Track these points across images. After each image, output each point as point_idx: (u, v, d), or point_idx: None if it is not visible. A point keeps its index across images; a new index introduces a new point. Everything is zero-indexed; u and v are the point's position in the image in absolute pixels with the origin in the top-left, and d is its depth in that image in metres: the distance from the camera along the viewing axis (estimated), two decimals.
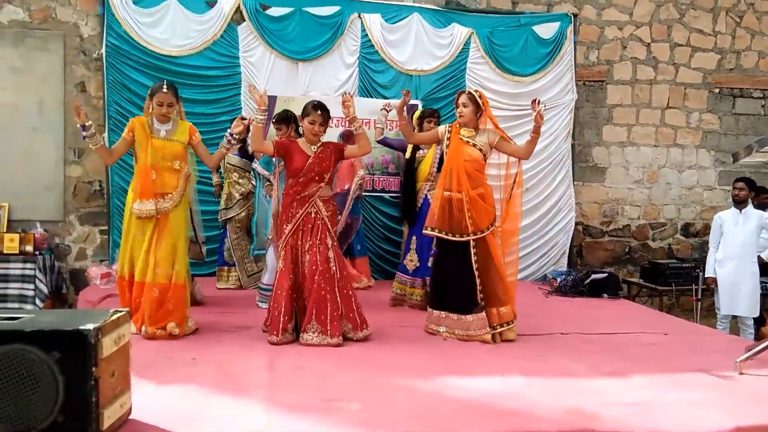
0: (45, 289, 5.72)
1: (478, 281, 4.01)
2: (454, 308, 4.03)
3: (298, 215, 3.89)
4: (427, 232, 4.20)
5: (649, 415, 2.74)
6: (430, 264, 4.69)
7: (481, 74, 6.55)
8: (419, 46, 6.44)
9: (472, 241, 4.01)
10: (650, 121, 7.28)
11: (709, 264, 5.72)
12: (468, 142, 4.11)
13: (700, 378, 3.32)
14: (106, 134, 5.96)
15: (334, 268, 3.88)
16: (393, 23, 6.43)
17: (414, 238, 5.03)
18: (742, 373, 3.42)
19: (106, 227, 6.19)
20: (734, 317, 5.67)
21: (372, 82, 6.40)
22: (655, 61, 7.23)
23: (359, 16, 6.35)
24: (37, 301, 5.66)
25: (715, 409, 2.86)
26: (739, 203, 5.58)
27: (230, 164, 5.46)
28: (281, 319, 3.79)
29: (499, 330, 4.01)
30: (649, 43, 7.21)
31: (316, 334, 3.77)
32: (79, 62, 6.23)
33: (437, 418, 2.62)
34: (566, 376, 3.29)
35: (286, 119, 4.99)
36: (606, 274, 6.14)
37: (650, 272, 6.58)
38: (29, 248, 5.76)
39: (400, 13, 6.46)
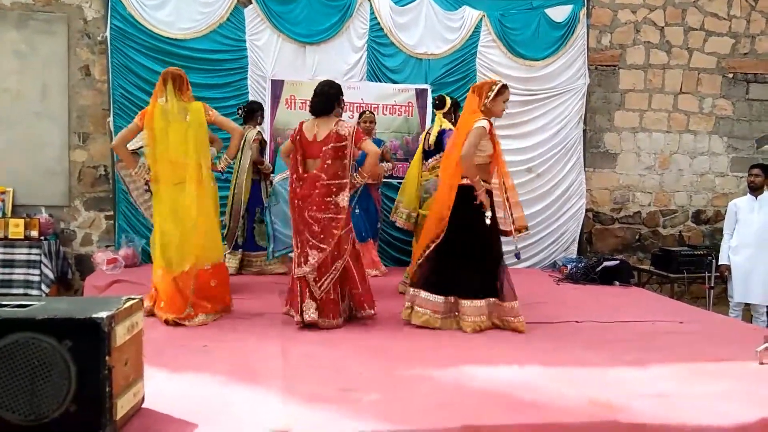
0: (50, 275, 5.67)
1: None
2: (489, 295, 3.97)
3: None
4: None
5: (674, 406, 2.68)
6: None
7: (492, 58, 6.44)
8: (429, 30, 6.32)
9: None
10: (663, 106, 7.15)
11: (723, 251, 5.66)
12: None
13: (721, 368, 3.26)
14: (111, 119, 5.90)
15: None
16: (402, 6, 6.31)
17: None
18: (762, 363, 3.36)
19: (111, 212, 6.13)
20: (746, 305, 5.61)
21: (381, 66, 6.29)
22: (668, 46, 7.09)
23: None
24: (43, 287, 5.61)
25: (739, 400, 2.80)
26: (755, 190, 5.51)
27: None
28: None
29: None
30: (662, 27, 7.07)
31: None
32: (83, 45, 6.13)
33: (461, 410, 2.55)
34: (586, 365, 3.23)
35: None
36: (618, 261, 6.06)
37: (662, 259, 6.49)
38: (34, 233, 5.70)
39: None
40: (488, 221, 3.86)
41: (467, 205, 3.88)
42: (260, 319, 3.96)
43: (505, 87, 4.01)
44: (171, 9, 5.93)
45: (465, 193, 3.89)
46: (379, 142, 5.75)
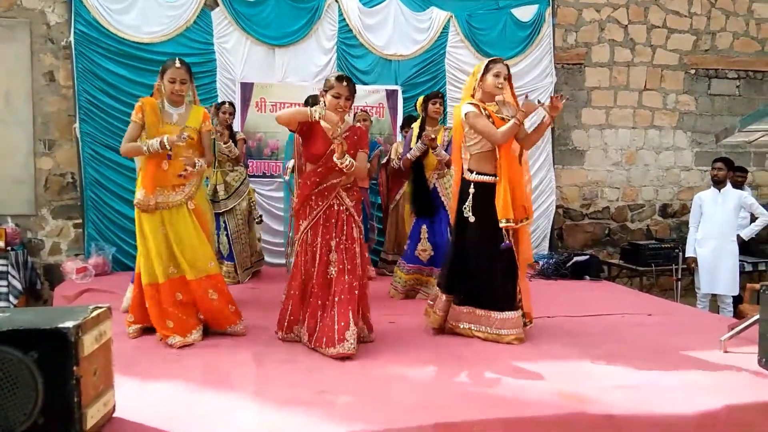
0: (18, 286, 5.55)
1: (519, 274, 3.65)
2: (485, 304, 3.61)
3: (318, 209, 3.46)
4: (506, 224, 3.55)
5: (642, 397, 2.75)
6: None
7: (460, 58, 6.50)
8: (398, 31, 6.36)
9: (512, 231, 3.61)
10: (628, 103, 7.30)
11: (690, 244, 5.79)
12: (503, 119, 3.61)
13: (687, 358, 3.34)
14: (77, 125, 5.81)
15: (359, 264, 3.49)
16: (371, 7, 6.33)
17: (424, 227, 4.83)
18: (726, 352, 3.46)
19: (80, 220, 6.03)
20: (713, 296, 5.75)
21: (351, 68, 6.29)
22: (632, 43, 7.24)
23: (336, 0, 6.24)
24: (11, 298, 5.48)
25: (704, 388, 2.88)
26: (718, 183, 5.65)
27: (222, 153, 5.25)
28: (287, 318, 3.56)
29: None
30: (626, 25, 7.22)
31: (354, 341, 3.30)
32: (47, 51, 6.02)
33: (432, 408, 2.58)
34: (558, 359, 3.28)
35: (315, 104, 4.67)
36: (588, 257, 6.18)
37: (630, 253, 6.63)
38: (0, 244, 5.57)
39: None
40: (468, 215, 3.63)
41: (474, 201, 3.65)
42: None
43: (493, 61, 3.67)
44: (137, 13, 5.86)
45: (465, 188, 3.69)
46: (374, 145, 5.67)
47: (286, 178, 5.03)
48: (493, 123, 3.59)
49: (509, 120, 3.58)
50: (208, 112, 3.87)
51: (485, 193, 3.63)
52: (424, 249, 4.84)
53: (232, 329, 3.70)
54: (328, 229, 3.45)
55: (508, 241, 3.58)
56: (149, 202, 3.53)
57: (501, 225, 3.57)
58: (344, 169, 3.36)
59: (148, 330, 3.68)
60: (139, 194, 3.57)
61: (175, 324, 3.50)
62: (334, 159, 3.34)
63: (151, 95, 3.76)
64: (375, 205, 6.00)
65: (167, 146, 3.45)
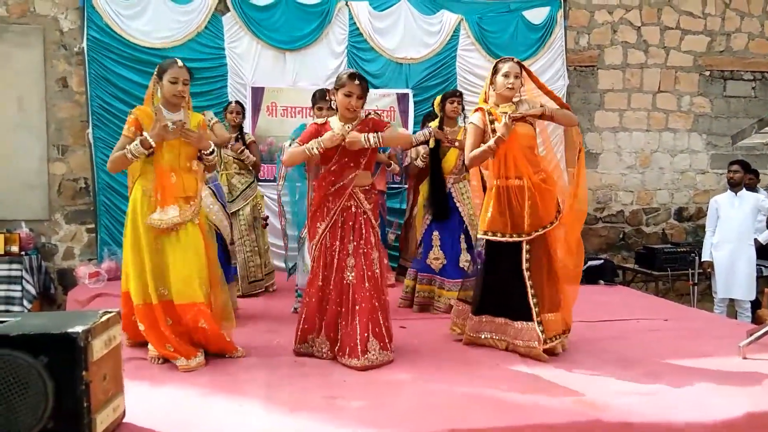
0: (32, 290, 5.58)
1: (529, 283, 3.38)
2: (501, 312, 3.49)
3: (334, 210, 3.35)
4: (482, 236, 3.50)
5: (658, 403, 2.69)
6: (462, 265, 4.36)
7: (471, 61, 6.46)
8: (408, 34, 6.33)
9: (525, 243, 3.41)
10: (642, 105, 7.22)
11: (706, 248, 5.72)
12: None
13: (705, 364, 3.28)
14: (90, 130, 5.85)
15: (378, 271, 3.37)
16: (381, 11, 6.32)
17: (436, 233, 4.58)
18: (745, 358, 3.40)
19: (93, 225, 6.06)
20: (731, 300, 5.66)
21: (361, 71, 6.21)
22: (645, 45, 7.17)
23: (347, 4, 6.23)
24: (25, 303, 5.52)
25: (723, 395, 2.82)
26: (735, 186, 5.57)
27: (228, 155, 5.14)
28: (301, 327, 3.41)
29: (548, 345, 3.35)
30: (639, 27, 7.14)
31: (377, 351, 3.22)
32: (60, 57, 6.06)
33: (444, 414, 2.54)
34: (572, 365, 3.23)
35: (322, 98, 4.49)
36: (602, 261, 6.12)
37: (645, 257, 6.54)
38: (15, 248, 5.61)
39: (388, 0, 6.34)
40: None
41: None
42: (242, 330, 3.90)
43: (501, 61, 3.59)
44: (148, 18, 5.89)
45: None
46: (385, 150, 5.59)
47: (285, 144, 4.36)
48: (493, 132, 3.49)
49: (528, 118, 3.59)
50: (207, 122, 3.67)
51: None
52: (437, 257, 4.58)
53: (231, 355, 3.37)
54: (346, 232, 3.34)
55: (480, 252, 3.52)
56: (167, 217, 3.18)
57: (479, 236, 3.61)
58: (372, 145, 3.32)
59: (141, 345, 3.44)
60: (156, 214, 3.18)
61: (175, 348, 3.17)
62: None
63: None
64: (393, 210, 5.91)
65: (151, 142, 3.11)
